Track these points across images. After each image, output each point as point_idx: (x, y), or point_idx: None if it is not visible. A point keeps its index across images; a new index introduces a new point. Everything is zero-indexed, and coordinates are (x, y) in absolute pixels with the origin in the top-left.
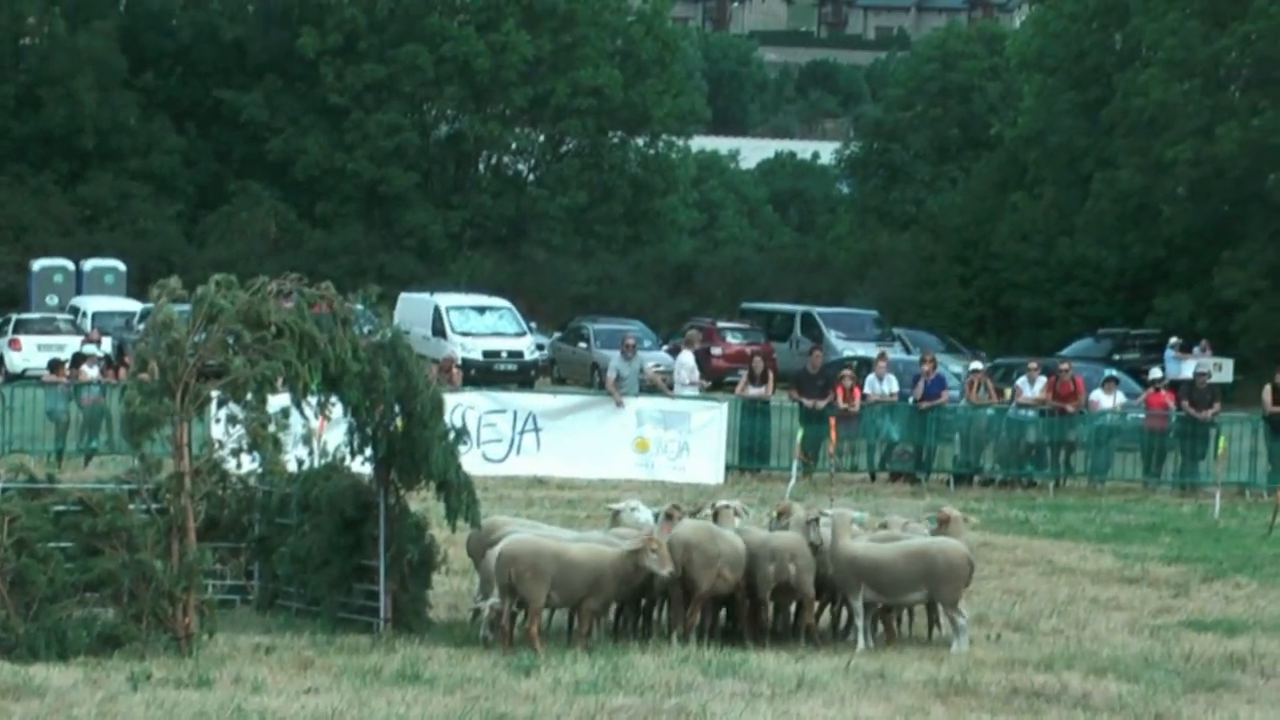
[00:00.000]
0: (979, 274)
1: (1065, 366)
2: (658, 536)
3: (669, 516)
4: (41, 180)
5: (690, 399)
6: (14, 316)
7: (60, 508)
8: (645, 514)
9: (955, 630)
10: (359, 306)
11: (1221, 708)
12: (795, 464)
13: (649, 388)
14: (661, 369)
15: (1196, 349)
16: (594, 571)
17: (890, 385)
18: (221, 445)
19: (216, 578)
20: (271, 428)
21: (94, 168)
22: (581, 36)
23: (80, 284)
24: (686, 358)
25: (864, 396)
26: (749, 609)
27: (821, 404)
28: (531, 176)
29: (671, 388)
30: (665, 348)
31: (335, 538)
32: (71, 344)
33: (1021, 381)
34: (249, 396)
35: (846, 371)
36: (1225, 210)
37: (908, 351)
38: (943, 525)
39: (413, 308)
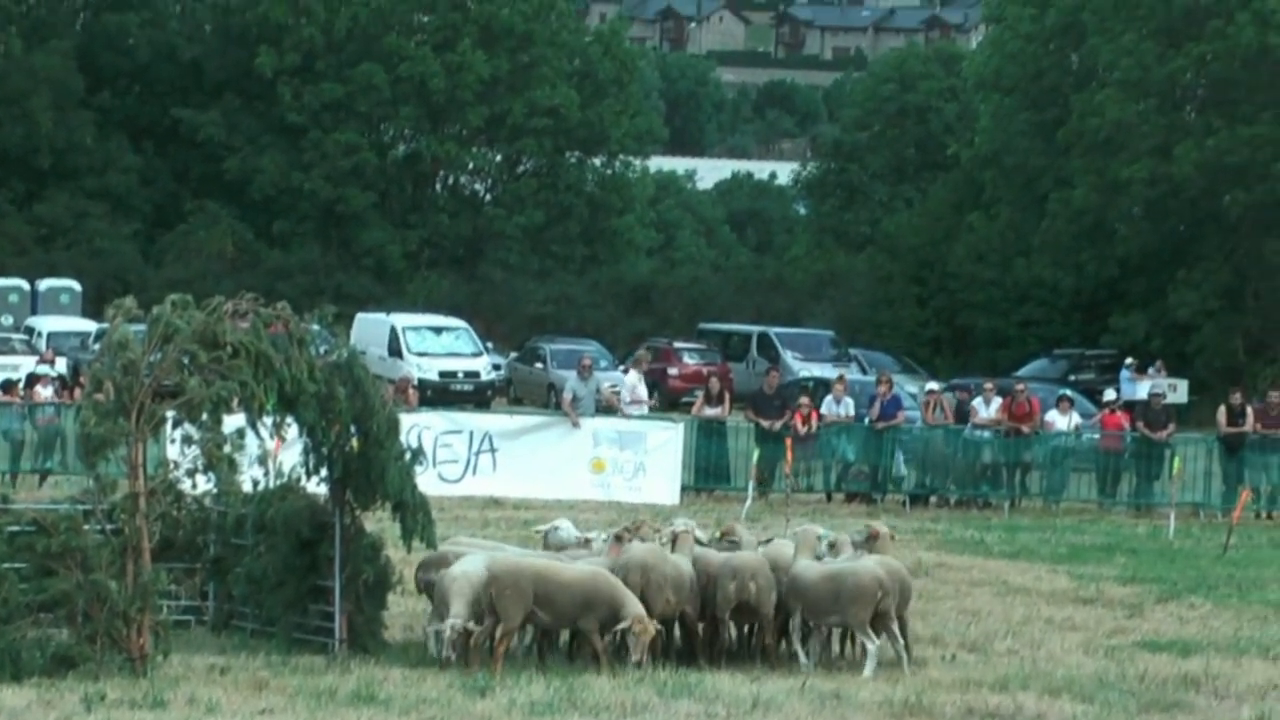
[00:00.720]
0: (935, 294)
1: (1021, 387)
2: (607, 556)
3: (618, 539)
4: None
5: (647, 419)
6: None
7: (15, 528)
8: (570, 532)
9: (867, 653)
10: (315, 327)
11: None
12: (751, 484)
13: (605, 408)
14: (618, 389)
15: (1152, 369)
16: (586, 592)
17: (847, 408)
18: (177, 466)
19: (171, 598)
20: (227, 448)
21: (50, 187)
22: (539, 56)
23: (35, 304)
24: (633, 378)
25: (821, 418)
26: (709, 630)
27: (778, 425)
28: (488, 196)
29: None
30: (621, 368)
31: (291, 558)
32: (26, 364)
33: (977, 402)
34: (204, 417)
35: (804, 400)
36: (1181, 230)
37: (864, 372)
38: (870, 541)
39: (369, 328)
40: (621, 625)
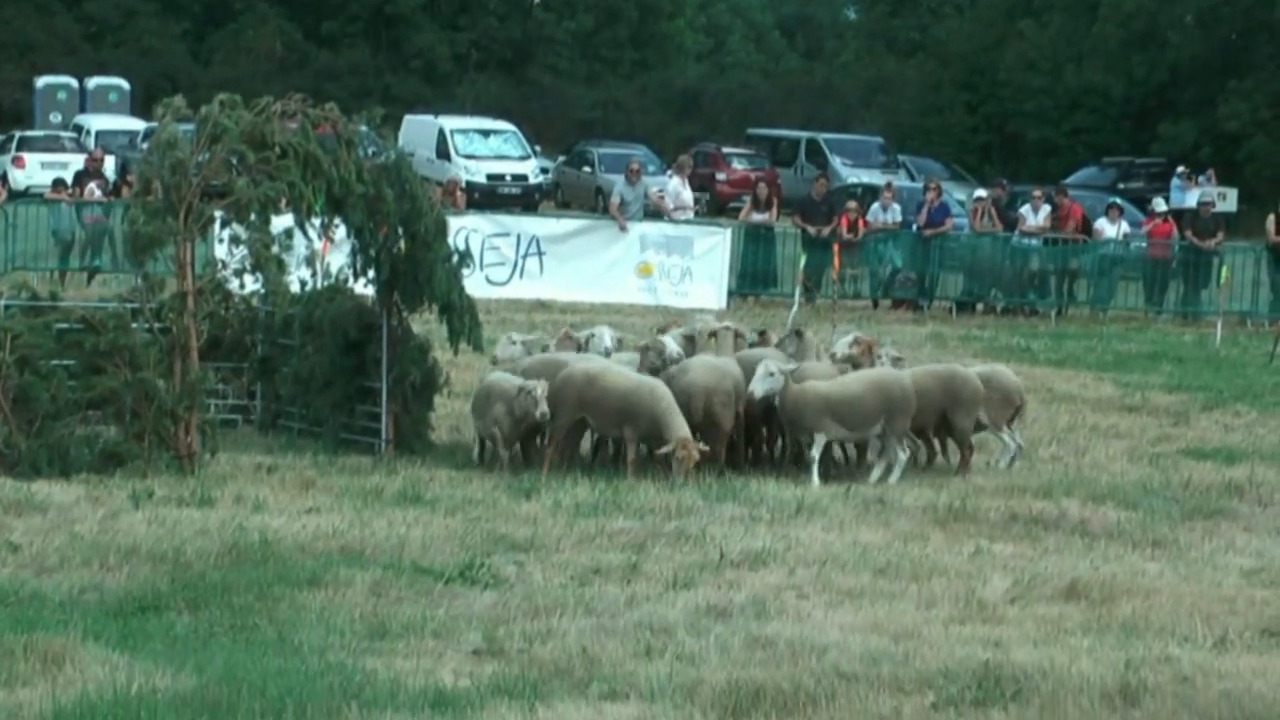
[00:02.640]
0: (985, 101)
1: (1062, 193)
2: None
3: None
4: None
5: (694, 224)
6: (17, 134)
7: (63, 326)
8: (606, 339)
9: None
10: (363, 128)
11: (1219, 535)
12: (798, 290)
13: (653, 213)
14: (663, 193)
15: (1202, 178)
16: (629, 401)
17: (894, 215)
18: (225, 265)
19: (219, 397)
20: (275, 248)
21: None
22: None
23: (84, 102)
24: (675, 183)
25: (868, 224)
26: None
27: (825, 231)
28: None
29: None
30: (667, 173)
31: (338, 359)
32: (75, 162)
33: (1025, 209)
34: (252, 217)
35: (852, 204)
36: (1233, 39)
37: (912, 178)
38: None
39: (417, 130)
40: (664, 449)
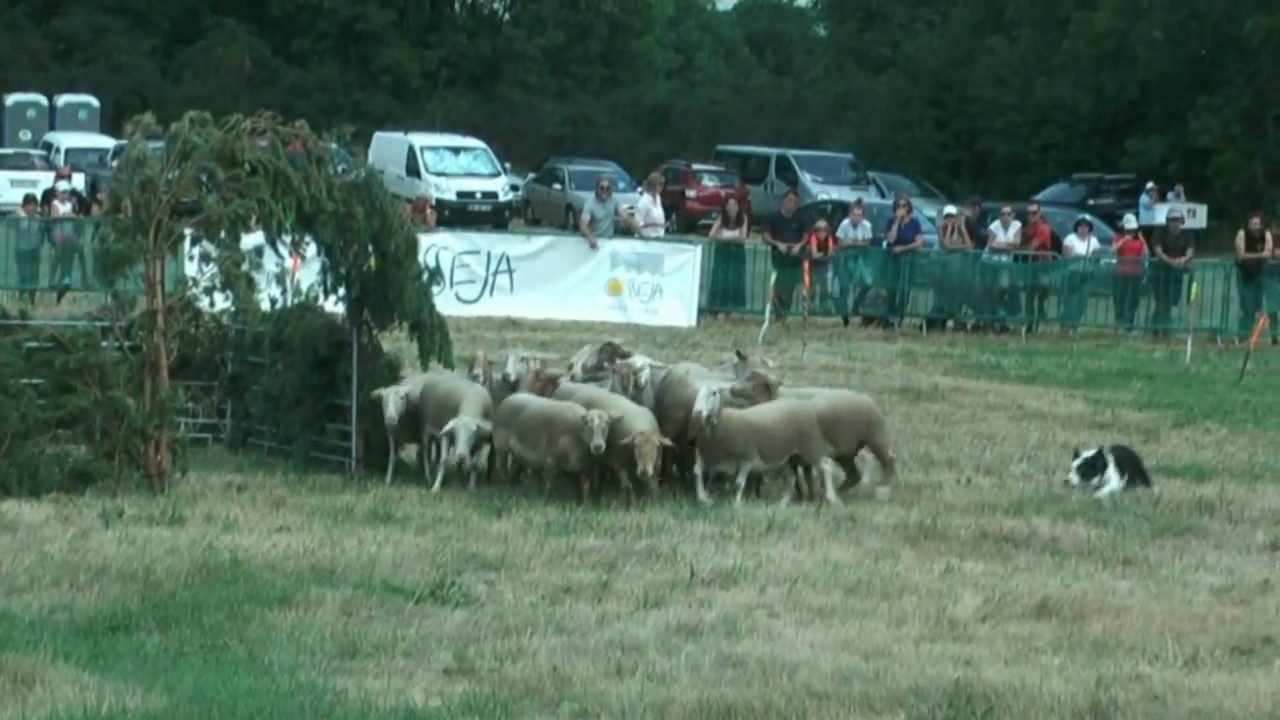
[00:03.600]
0: (955, 117)
1: (1034, 209)
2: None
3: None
4: (15, 14)
5: (664, 241)
6: None
7: (32, 344)
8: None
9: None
10: (333, 145)
11: (1189, 552)
12: (768, 307)
13: (623, 230)
14: (633, 210)
15: (1171, 194)
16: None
17: (865, 231)
18: (195, 283)
19: (189, 416)
20: (245, 266)
21: (69, 1)
22: None
23: (54, 119)
24: (646, 200)
25: (837, 241)
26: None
27: (796, 248)
28: (508, 16)
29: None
30: (638, 190)
31: (308, 377)
32: (44, 180)
33: (995, 226)
34: (222, 234)
35: (822, 223)
36: (1202, 54)
37: (882, 195)
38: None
39: (387, 147)
40: (625, 440)
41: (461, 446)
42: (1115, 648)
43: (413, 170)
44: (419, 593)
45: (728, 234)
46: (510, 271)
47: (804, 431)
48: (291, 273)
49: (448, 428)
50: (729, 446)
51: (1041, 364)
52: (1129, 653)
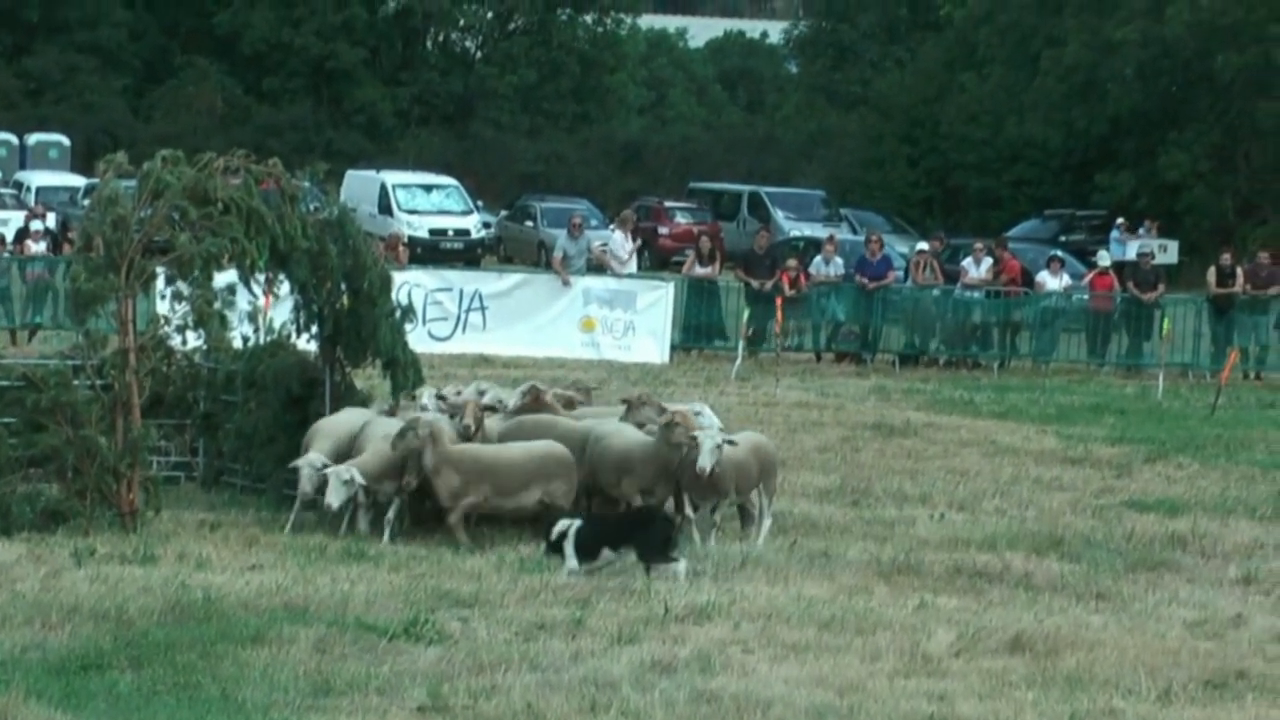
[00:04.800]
0: (927, 154)
1: (1000, 246)
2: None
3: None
4: None
5: (637, 278)
6: None
7: (4, 383)
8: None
9: None
10: (306, 183)
11: (1162, 587)
12: (741, 344)
13: (596, 267)
14: (606, 247)
15: (1142, 229)
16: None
17: (837, 268)
18: (167, 321)
19: (161, 454)
20: (217, 304)
21: (40, 40)
22: None
23: (24, 158)
24: (618, 237)
25: (809, 279)
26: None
27: (768, 284)
28: (479, 54)
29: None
30: (611, 227)
31: (281, 415)
32: (15, 219)
33: (967, 262)
34: (195, 273)
35: (793, 263)
36: (1172, 91)
37: (854, 232)
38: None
39: (360, 185)
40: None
41: (304, 485)
42: (1089, 682)
43: (385, 208)
44: (392, 630)
45: (700, 271)
46: (483, 309)
47: (765, 467)
48: (264, 310)
49: (292, 464)
50: (720, 486)
51: (1014, 399)
52: (1103, 687)
